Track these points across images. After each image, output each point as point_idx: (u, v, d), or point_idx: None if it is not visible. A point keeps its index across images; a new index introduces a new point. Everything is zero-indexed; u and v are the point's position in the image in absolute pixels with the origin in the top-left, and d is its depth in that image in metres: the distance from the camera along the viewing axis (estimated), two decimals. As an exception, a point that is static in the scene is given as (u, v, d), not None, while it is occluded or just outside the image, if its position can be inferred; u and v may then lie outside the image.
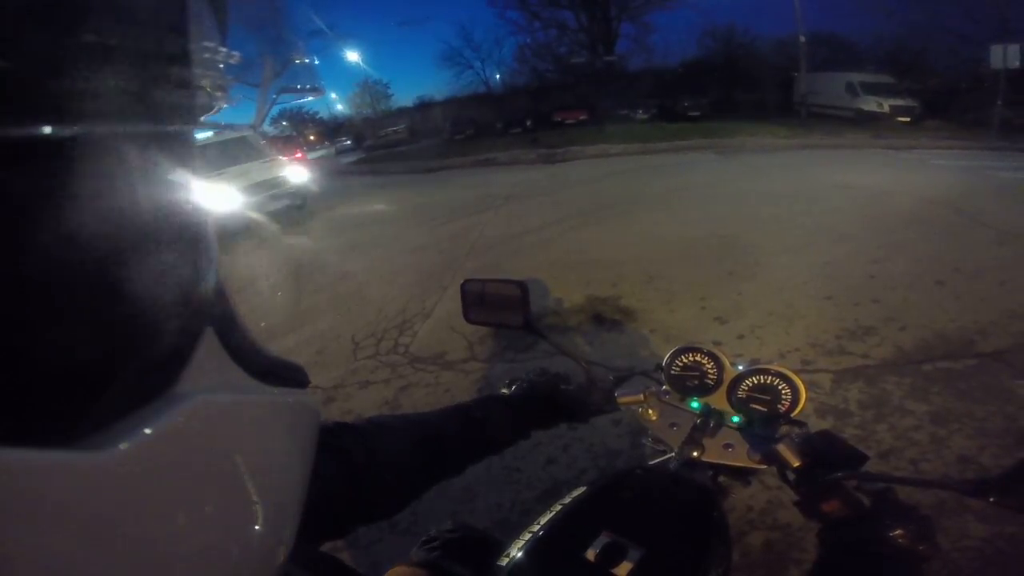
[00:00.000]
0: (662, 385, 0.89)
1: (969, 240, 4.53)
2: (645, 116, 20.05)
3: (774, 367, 0.80)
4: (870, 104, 15.58)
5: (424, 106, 40.01)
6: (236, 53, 0.28)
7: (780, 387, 0.78)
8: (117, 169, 0.23)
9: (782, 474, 0.67)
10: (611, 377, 0.91)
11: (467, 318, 0.92)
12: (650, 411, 0.84)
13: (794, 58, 20.22)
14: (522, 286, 0.84)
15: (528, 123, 21.07)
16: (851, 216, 5.59)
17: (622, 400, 0.84)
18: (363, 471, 0.62)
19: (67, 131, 0.19)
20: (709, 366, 0.85)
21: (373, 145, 29.61)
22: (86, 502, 0.20)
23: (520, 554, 0.60)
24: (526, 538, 0.63)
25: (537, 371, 0.93)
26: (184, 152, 0.26)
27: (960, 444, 2.03)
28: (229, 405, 0.28)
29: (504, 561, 0.60)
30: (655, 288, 4.14)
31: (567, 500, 0.70)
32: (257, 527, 0.29)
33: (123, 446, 0.21)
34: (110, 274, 0.23)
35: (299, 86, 0.31)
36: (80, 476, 0.20)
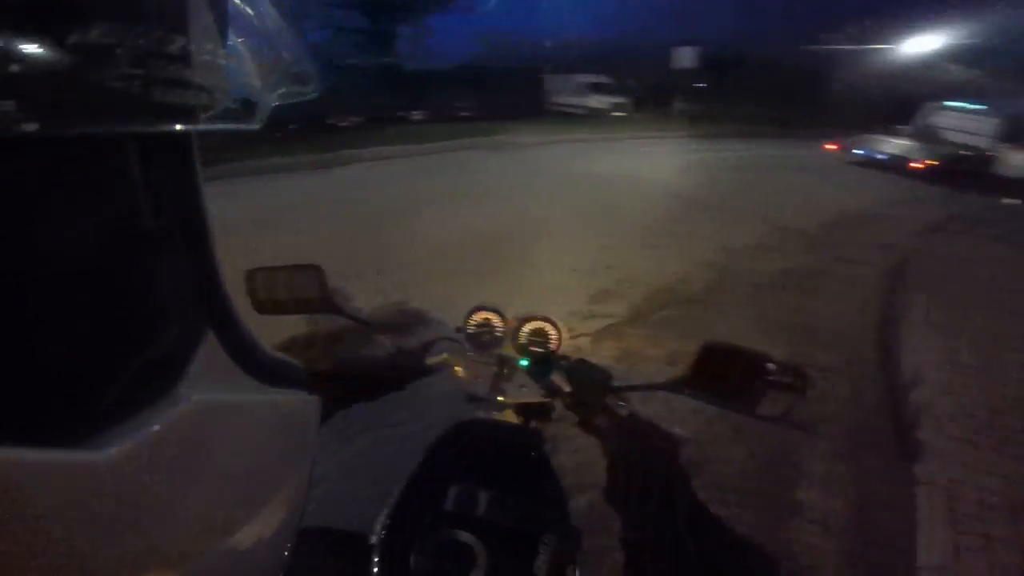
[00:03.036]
0: (464, 344, 1.00)
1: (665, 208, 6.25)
2: (420, 117, 20.46)
3: (538, 315, 0.98)
4: (594, 102, 17.92)
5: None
6: (236, 53, 0.28)
7: (547, 330, 0.97)
8: (118, 169, 0.23)
9: (564, 403, 0.84)
10: (419, 345, 0.99)
11: (258, 310, 0.90)
12: (457, 368, 0.94)
13: (548, 60, 22.77)
14: (317, 268, 0.88)
15: (291, 127, 19.20)
16: (590, 198, 7.09)
17: (432, 361, 0.94)
18: None
19: (67, 131, 0.19)
20: (496, 321, 0.99)
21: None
22: (86, 502, 0.20)
23: (384, 530, 0.65)
24: (384, 513, 0.68)
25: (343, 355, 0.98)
26: (184, 152, 0.26)
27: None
28: (229, 405, 0.28)
29: (373, 539, 0.64)
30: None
31: (412, 468, 0.76)
32: (257, 526, 0.29)
33: (124, 446, 0.22)
34: (111, 275, 0.23)
35: (300, 86, 0.31)
36: (81, 476, 0.20)
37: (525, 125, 15.12)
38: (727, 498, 1.92)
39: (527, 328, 0.98)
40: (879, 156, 10.36)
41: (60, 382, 0.21)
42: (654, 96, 19.31)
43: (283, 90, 0.31)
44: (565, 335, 0.97)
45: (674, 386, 0.73)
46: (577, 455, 1.22)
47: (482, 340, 0.99)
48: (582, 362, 0.86)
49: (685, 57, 17.67)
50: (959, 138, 10.01)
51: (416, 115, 20.15)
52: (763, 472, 2.08)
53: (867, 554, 1.73)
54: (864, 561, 1.71)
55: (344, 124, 19.11)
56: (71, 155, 0.21)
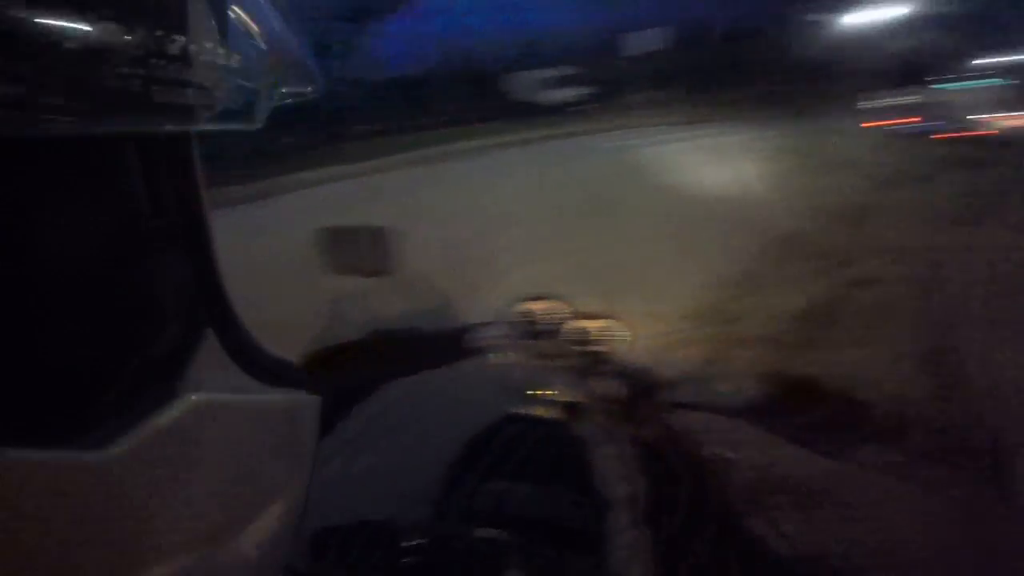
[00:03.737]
0: (520, 331, 0.96)
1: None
2: (365, 131, 19.06)
3: (607, 312, 0.95)
4: (560, 97, 16.88)
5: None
6: (237, 53, 0.27)
7: (612, 330, 0.94)
8: (118, 169, 0.22)
9: (613, 409, 0.79)
10: (469, 323, 0.95)
11: (329, 267, 0.88)
12: (506, 355, 0.91)
13: (513, 58, 21.54)
14: (383, 232, 0.84)
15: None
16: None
17: (481, 344, 0.91)
18: None
19: (68, 131, 0.19)
20: (557, 312, 0.97)
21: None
22: (86, 501, 0.20)
23: (418, 522, 0.63)
24: (419, 505, 0.67)
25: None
26: (184, 152, 0.26)
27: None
28: (229, 405, 0.28)
29: (405, 531, 0.59)
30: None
31: (451, 460, 0.75)
32: (257, 525, 0.29)
33: (123, 446, 0.21)
34: (111, 275, 0.22)
35: (300, 85, 0.31)
36: (80, 476, 0.20)
37: (480, 131, 13.49)
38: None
39: (590, 324, 0.95)
40: (922, 128, 11.30)
41: (60, 382, 0.21)
42: (628, 84, 18.15)
43: (284, 90, 0.30)
44: (630, 337, 0.93)
45: (738, 411, 0.68)
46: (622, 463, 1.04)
47: (538, 329, 0.96)
48: (643, 371, 0.83)
49: (647, 40, 16.50)
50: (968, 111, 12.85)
51: (360, 129, 18.69)
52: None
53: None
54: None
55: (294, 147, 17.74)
56: (71, 155, 0.20)
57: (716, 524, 0.62)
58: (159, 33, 0.21)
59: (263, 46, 0.29)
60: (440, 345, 0.91)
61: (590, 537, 0.64)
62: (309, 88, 0.31)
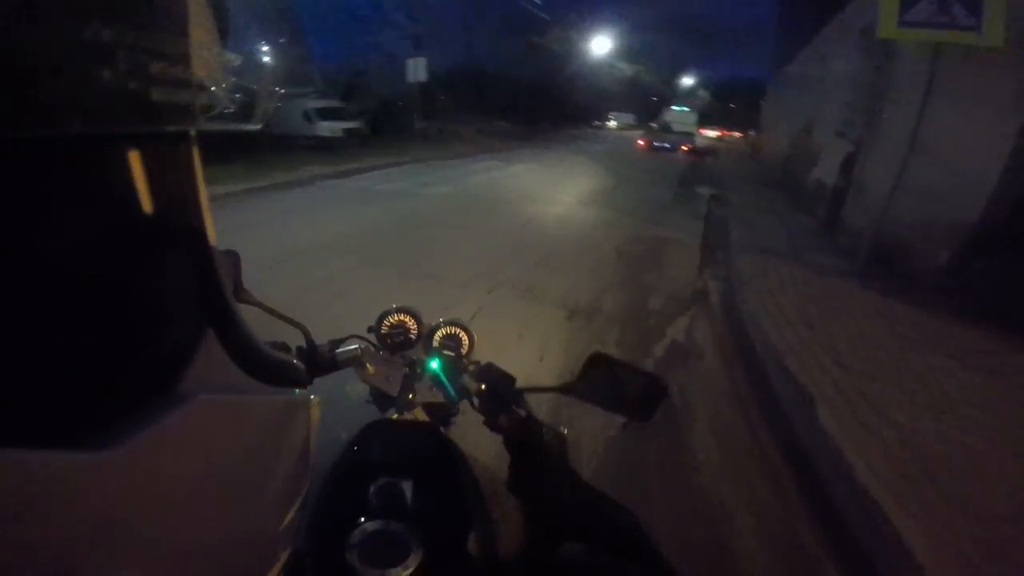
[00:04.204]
0: (375, 344, 1.00)
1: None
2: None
3: (454, 320, 1.03)
4: (325, 130, 14.99)
5: None
6: (236, 54, 0.27)
7: (460, 335, 1.02)
8: (118, 169, 0.22)
9: (471, 403, 0.86)
10: (327, 341, 0.95)
11: None
12: (368, 367, 0.94)
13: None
14: (233, 255, 0.81)
15: None
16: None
17: (343, 359, 0.92)
18: None
19: (67, 131, 0.19)
20: (410, 323, 1.03)
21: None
22: (86, 502, 0.20)
23: (309, 532, 0.63)
24: (307, 516, 0.66)
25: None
26: (184, 152, 0.26)
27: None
28: (229, 405, 0.28)
29: (297, 543, 0.59)
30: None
31: (333, 465, 0.78)
32: (257, 525, 0.29)
33: (124, 446, 0.21)
34: (111, 275, 0.22)
35: (300, 85, 0.37)
36: (80, 476, 0.20)
37: (231, 168, 9.96)
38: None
39: (440, 332, 1.02)
40: (667, 146, 19.59)
41: (60, 382, 0.21)
42: (393, 116, 17.57)
43: (284, 90, 0.29)
44: (475, 339, 1.02)
45: (565, 390, 0.78)
46: (484, 450, 1.17)
47: (395, 341, 1.02)
48: (490, 366, 0.88)
49: (418, 69, 15.89)
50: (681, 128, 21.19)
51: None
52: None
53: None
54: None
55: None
56: (71, 155, 0.20)
57: (568, 489, 0.68)
58: (159, 33, 0.21)
59: (263, 46, 0.28)
60: (304, 359, 0.90)
61: (472, 513, 0.72)
62: (310, 89, 0.46)
